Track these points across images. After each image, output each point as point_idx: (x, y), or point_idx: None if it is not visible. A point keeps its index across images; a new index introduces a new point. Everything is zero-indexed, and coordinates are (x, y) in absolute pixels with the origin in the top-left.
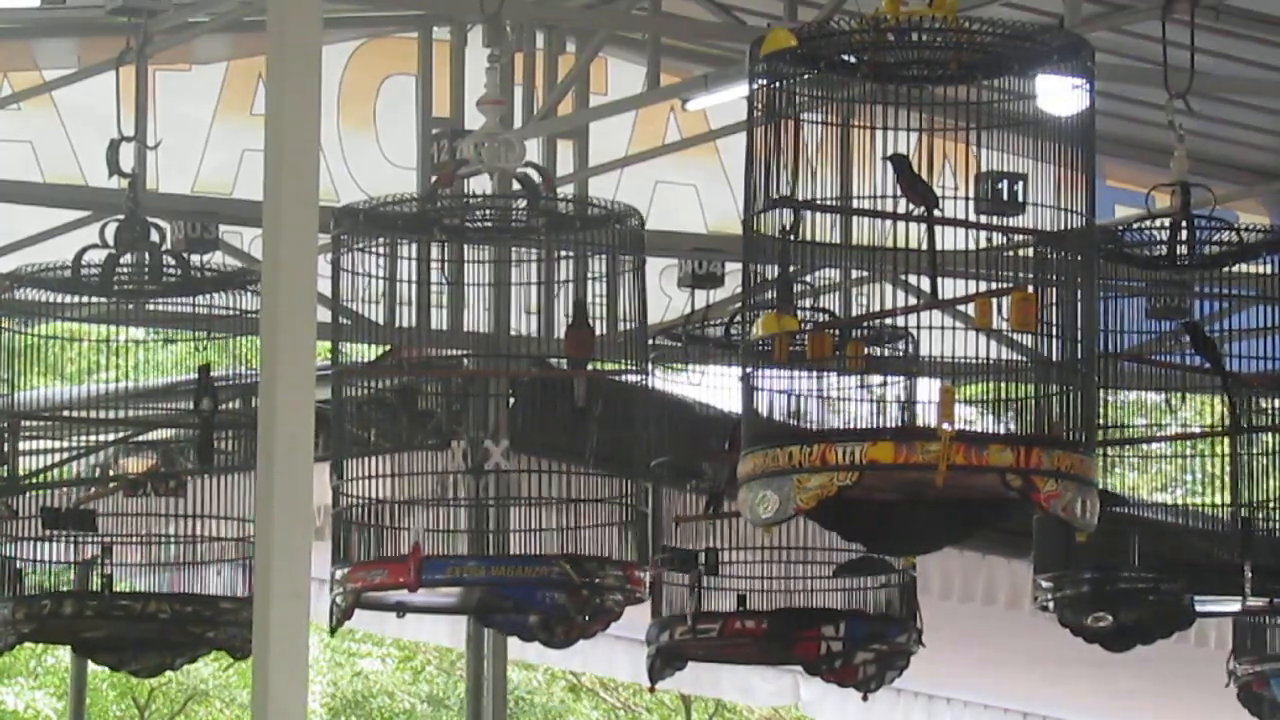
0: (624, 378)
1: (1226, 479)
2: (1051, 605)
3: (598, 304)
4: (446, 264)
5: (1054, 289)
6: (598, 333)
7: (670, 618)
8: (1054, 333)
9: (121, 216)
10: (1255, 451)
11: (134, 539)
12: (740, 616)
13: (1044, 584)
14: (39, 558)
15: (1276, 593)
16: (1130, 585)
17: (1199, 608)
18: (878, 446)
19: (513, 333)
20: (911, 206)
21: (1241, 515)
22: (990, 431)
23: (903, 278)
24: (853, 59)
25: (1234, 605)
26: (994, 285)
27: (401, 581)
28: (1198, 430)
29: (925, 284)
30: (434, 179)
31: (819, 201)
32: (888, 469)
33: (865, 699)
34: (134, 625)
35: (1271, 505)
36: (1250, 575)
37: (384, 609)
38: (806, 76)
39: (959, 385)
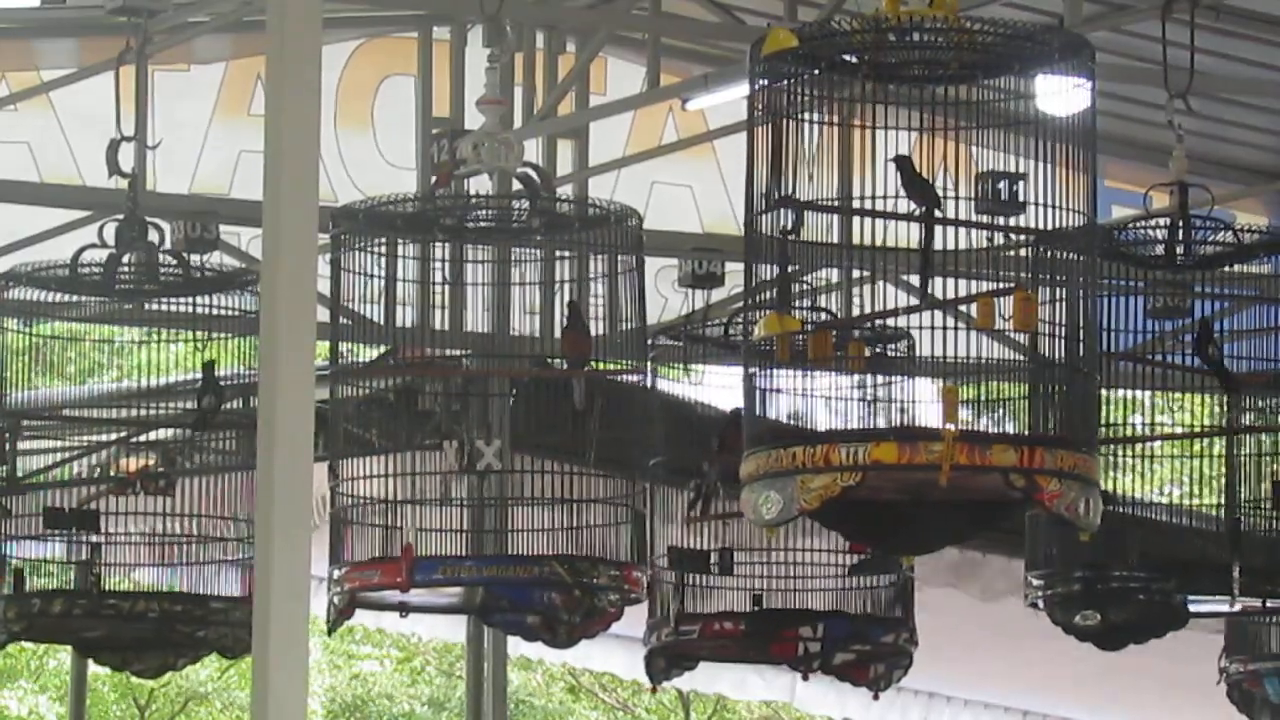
0: (623, 378)
1: (1220, 479)
2: (1041, 603)
3: (597, 304)
4: (447, 264)
5: (1054, 288)
6: (598, 332)
7: (659, 619)
8: (1054, 332)
9: (121, 216)
10: (1248, 452)
11: (126, 537)
12: (720, 618)
13: (1035, 582)
14: (36, 557)
15: (1268, 593)
16: (1122, 584)
17: (1192, 608)
18: (881, 447)
19: (513, 333)
20: (913, 206)
21: (1234, 515)
22: (993, 431)
23: (903, 278)
24: (853, 59)
25: (1227, 605)
26: (995, 285)
27: (394, 582)
28: (1194, 430)
29: (921, 284)
30: (433, 179)
31: (819, 201)
32: (891, 469)
33: (876, 698)
34: (125, 624)
35: (1263, 505)
36: (1241, 575)
37: (386, 609)
38: (807, 76)
39: (961, 385)
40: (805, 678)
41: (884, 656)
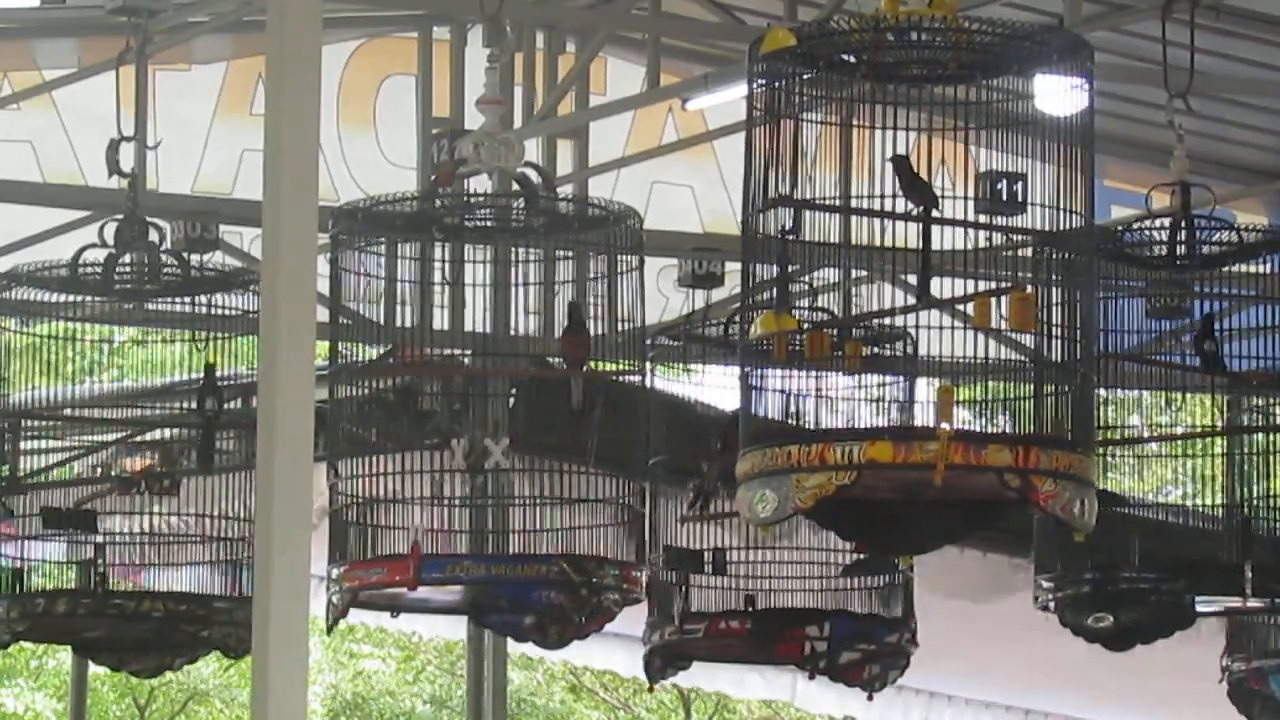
0: (622, 378)
1: (1224, 479)
2: (1052, 605)
3: (596, 304)
4: (446, 264)
5: (1053, 288)
6: (598, 332)
7: (661, 618)
8: (1053, 332)
9: (121, 216)
10: (1254, 451)
11: (131, 537)
12: (725, 617)
13: (1045, 584)
14: (38, 557)
15: (1276, 592)
16: (1131, 585)
17: (1200, 608)
18: (876, 446)
19: (513, 333)
20: (912, 206)
21: (1241, 515)
22: (989, 431)
23: (902, 278)
24: (852, 59)
25: (1234, 605)
26: (993, 285)
27: (401, 580)
28: (1196, 430)
29: (919, 283)
30: (433, 178)
31: (819, 201)
32: (886, 468)
33: (870, 699)
34: (129, 624)
35: (1271, 504)
36: (1250, 575)
37: (379, 608)
38: (806, 76)
39: (958, 385)
40: (812, 677)
41: (886, 656)
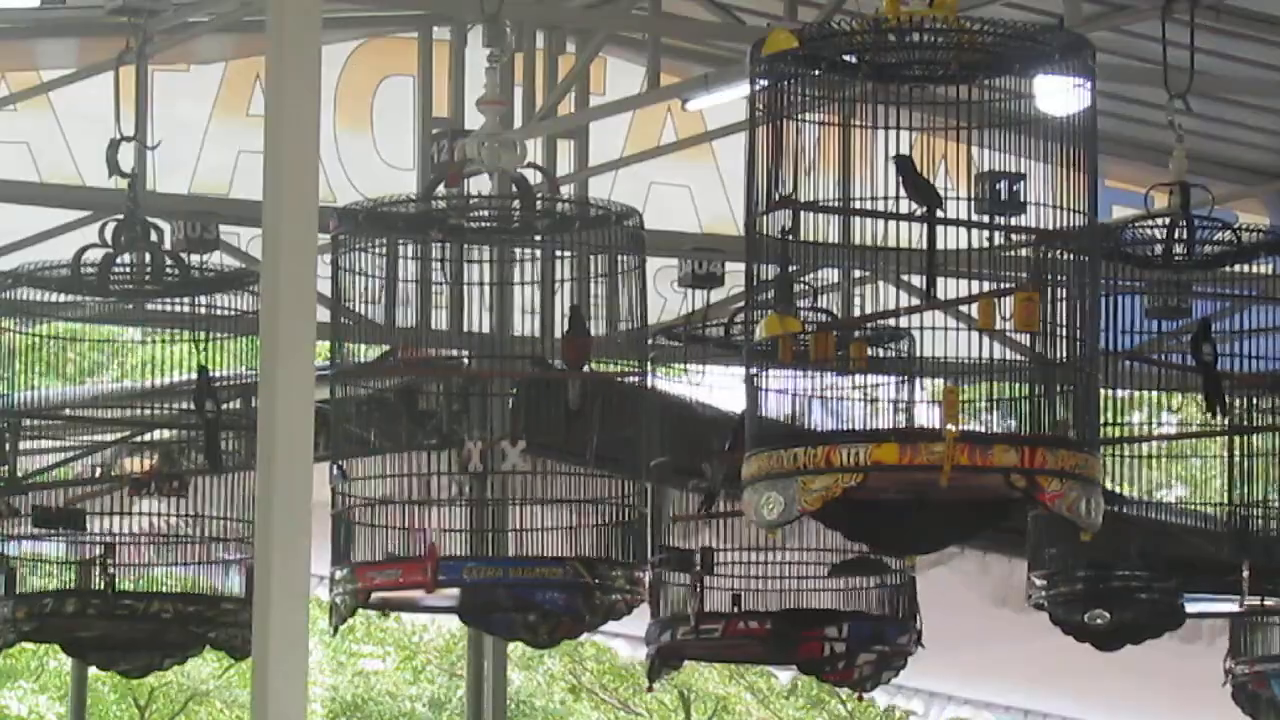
0: (624, 378)
1: (1222, 479)
2: (1045, 603)
3: (596, 304)
4: (447, 264)
5: (1054, 288)
6: (598, 332)
7: (672, 618)
8: (1055, 332)
9: (121, 216)
10: (1251, 452)
11: (138, 538)
12: (743, 617)
13: (1038, 581)
14: (39, 555)
15: (1270, 592)
16: (1123, 584)
17: (1189, 608)
18: (882, 448)
19: (513, 333)
20: (914, 206)
21: (1238, 515)
22: (994, 431)
23: (903, 278)
24: (853, 59)
25: (1226, 605)
26: (996, 285)
27: (417, 582)
28: (1194, 429)
29: (924, 284)
30: (433, 178)
31: (819, 201)
32: (892, 470)
33: (860, 699)
34: (135, 625)
35: (1267, 505)
36: (1245, 575)
37: (374, 607)
38: (807, 77)
39: (962, 386)
40: (825, 679)
41: (894, 658)
